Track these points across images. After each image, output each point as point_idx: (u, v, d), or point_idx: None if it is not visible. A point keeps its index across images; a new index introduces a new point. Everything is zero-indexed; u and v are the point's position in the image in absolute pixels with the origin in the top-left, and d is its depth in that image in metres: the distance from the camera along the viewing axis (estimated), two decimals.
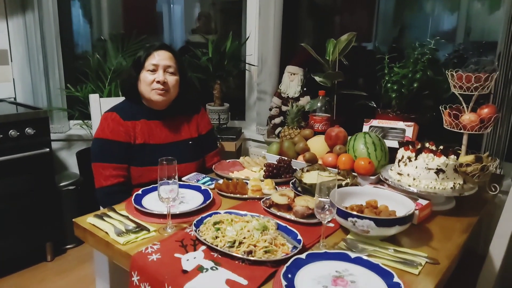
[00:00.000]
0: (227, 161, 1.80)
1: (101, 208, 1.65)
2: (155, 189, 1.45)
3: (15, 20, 2.57)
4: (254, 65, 2.73)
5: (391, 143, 1.73)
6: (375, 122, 1.80)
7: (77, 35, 3.06)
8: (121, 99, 1.74)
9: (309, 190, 1.41)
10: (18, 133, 2.17)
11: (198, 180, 1.58)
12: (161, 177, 1.15)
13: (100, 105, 1.83)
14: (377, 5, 2.81)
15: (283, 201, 1.28)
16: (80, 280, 2.33)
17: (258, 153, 2.72)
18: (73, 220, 1.24)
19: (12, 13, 2.56)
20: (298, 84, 2.63)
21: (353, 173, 1.52)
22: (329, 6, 3.05)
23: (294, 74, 2.64)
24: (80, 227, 1.21)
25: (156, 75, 1.59)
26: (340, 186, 1.38)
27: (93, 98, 1.82)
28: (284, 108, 2.67)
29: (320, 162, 1.68)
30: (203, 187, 1.47)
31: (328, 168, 1.58)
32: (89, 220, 1.22)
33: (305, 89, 2.65)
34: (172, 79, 1.62)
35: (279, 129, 2.69)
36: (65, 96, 2.72)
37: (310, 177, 1.50)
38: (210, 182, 1.56)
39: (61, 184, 2.55)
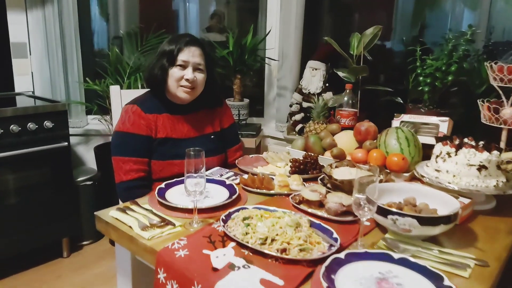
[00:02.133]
0: (250, 156, 1.74)
1: (120, 203, 1.60)
2: (178, 183, 1.39)
3: (34, 13, 2.55)
4: (275, 60, 2.65)
5: (424, 139, 1.64)
6: (406, 117, 1.71)
7: (94, 32, 3.03)
8: (142, 91, 1.68)
9: (339, 186, 1.34)
10: (37, 126, 2.14)
11: (221, 175, 1.52)
12: (188, 169, 1.09)
13: (121, 97, 1.78)
14: (396, 3, 2.74)
15: (314, 197, 1.20)
16: (97, 277, 2.29)
17: (278, 150, 2.64)
18: (94, 213, 1.19)
19: (31, 5, 2.54)
20: (320, 79, 2.55)
21: (386, 170, 1.44)
22: (352, 2, 2.97)
23: (316, 69, 2.56)
24: (102, 220, 1.16)
25: (186, 72, 1.53)
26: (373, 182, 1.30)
27: (114, 89, 1.77)
28: (305, 104, 2.60)
29: (348, 158, 1.60)
30: (227, 182, 1.40)
31: (358, 164, 1.50)
32: (111, 214, 1.16)
33: (327, 84, 2.57)
34: (200, 77, 1.57)
35: (299, 126, 2.62)
36: (83, 90, 2.69)
37: (340, 173, 1.42)
38: (234, 177, 1.50)
39: (79, 179, 2.52)
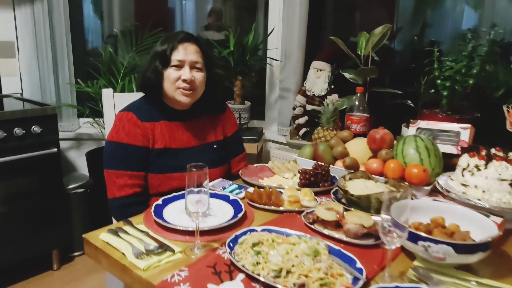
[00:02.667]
0: (255, 165, 1.60)
1: (114, 221, 1.46)
2: (177, 198, 1.26)
3: (22, 10, 2.40)
4: (277, 60, 2.52)
5: (443, 147, 1.51)
6: (423, 124, 1.59)
7: (87, 30, 2.89)
8: (137, 95, 1.54)
9: (356, 203, 1.21)
10: (24, 132, 2.00)
11: (224, 188, 1.39)
12: (189, 185, 0.95)
13: (114, 101, 1.64)
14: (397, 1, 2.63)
15: (331, 217, 1.07)
16: None
17: (281, 156, 2.53)
18: (83, 236, 1.05)
19: (19, 2, 2.39)
20: (325, 81, 2.43)
21: (405, 183, 1.32)
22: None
23: (320, 70, 2.44)
24: (92, 245, 1.02)
25: (182, 71, 1.39)
26: (394, 198, 1.17)
27: (106, 93, 1.63)
28: (309, 107, 2.47)
29: (362, 168, 1.47)
30: (231, 197, 1.27)
31: (373, 176, 1.38)
32: (102, 237, 1.02)
33: (332, 86, 2.45)
34: (199, 76, 1.42)
35: (303, 130, 2.49)
36: (74, 92, 2.55)
37: (355, 187, 1.29)
38: (238, 191, 1.36)
39: (70, 187, 2.38)
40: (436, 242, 0.88)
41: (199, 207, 0.96)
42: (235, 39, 2.24)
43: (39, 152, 2.05)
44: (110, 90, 1.63)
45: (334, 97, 2.41)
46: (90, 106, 2.43)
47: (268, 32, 2.49)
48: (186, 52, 1.39)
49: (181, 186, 1.43)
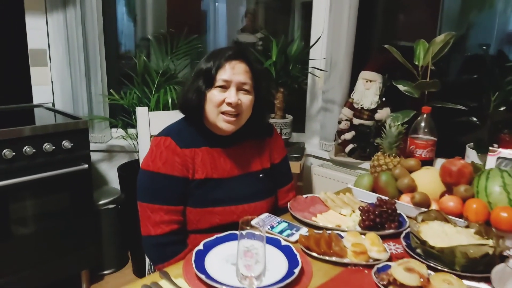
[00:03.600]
0: (304, 197, 1.41)
1: (147, 260, 1.31)
2: (222, 240, 1.08)
3: (55, 16, 2.30)
4: (323, 70, 2.31)
5: None
6: (505, 153, 1.34)
7: (120, 35, 2.79)
8: (173, 113, 1.37)
9: (437, 256, 1.00)
10: (54, 147, 1.88)
11: (272, 227, 1.20)
12: (241, 249, 0.77)
13: (149, 120, 1.48)
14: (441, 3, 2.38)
15: (413, 281, 0.87)
16: None
17: (323, 174, 2.31)
18: None
19: (52, 8, 2.29)
20: (375, 93, 2.20)
21: (493, 230, 1.09)
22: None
23: (370, 81, 2.21)
24: None
25: (227, 93, 1.21)
26: (487, 255, 0.95)
27: (141, 112, 1.48)
28: (356, 121, 2.25)
29: (435, 206, 1.25)
30: (283, 242, 1.08)
31: (450, 217, 1.16)
32: None
33: (384, 99, 2.22)
34: (246, 100, 1.23)
35: (350, 146, 2.27)
36: (107, 102, 2.42)
37: (431, 234, 1.08)
38: (289, 231, 1.17)
39: (100, 203, 2.26)
40: None
41: (254, 270, 0.78)
42: (278, 48, 2.05)
43: (69, 169, 1.92)
44: (145, 108, 1.48)
45: (386, 111, 2.18)
46: (122, 118, 2.30)
47: (312, 42, 2.29)
48: (233, 72, 1.20)
49: (223, 222, 1.26)
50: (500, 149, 1.36)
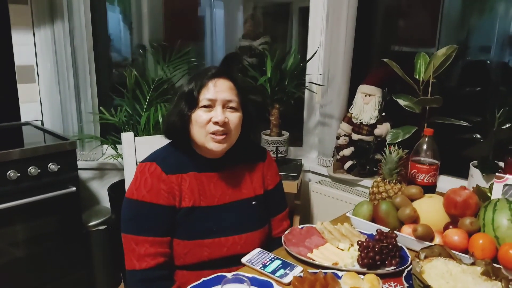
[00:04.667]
0: (300, 227, 1.32)
1: None
2: (208, 285, 1.00)
3: (42, 32, 2.22)
4: (320, 85, 2.23)
5: None
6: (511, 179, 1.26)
7: (116, 42, 2.74)
8: (160, 138, 1.30)
9: None
10: (39, 171, 1.80)
11: (265, 265, 1.12)
12: None
13: (135, 146, 1.41)
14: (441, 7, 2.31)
15: None
16: None
17: (322, 192, 2.23)
18: None
19: (39, 23, 2.21)
20: (374, 107, 2.12)
21: (500, 268, 1.01)
22: (414, 11, 2.53)
23: (369, 95, 2.13)
24: None
25: (213, 112, 1.14)
26: None
27: (126, 137, 1.40)
28: (355, 136, 2.17)
29: (438, 239, 1.17)
30: (275, 285, 1.00)
31: (455, 253, 1.08)
32: None
33: (383, 114, 2.14)
34: (234, 118, 1.17)
35: (349, 163, 2.19)
36: (98, 120, 2.35)
37: (435, 274, 1.00)
38: (283, 271, 1.09)
39: (90, 224, 2.18)
40: None
41: None
42: (273, 64, 1.97)
43: (56, 193, 1.84)
44: (131, 134, 1.40)
45: (386, 126, 2.10)
46: (113, 138, 2.22)
47: (308, 54, 2.21)
48: (216, 90, 1.14)
49: (212, 257, 1.17)
50: (507, 176, 1.28)
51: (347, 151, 2.20)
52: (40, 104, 2.33)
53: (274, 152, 2.10)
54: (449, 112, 1.93)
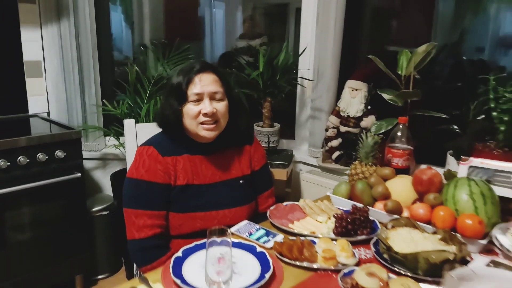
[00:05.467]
0: (284, 204, 1.47)
1: (135, 265, 1.37)
2: (200, 248, 1.14)
3: (49, 29, 2.37)
4: (310, 80, 2.38)
5: (499, 190, 1.33)
6: (476, 162, 1.40)
7: (118, 41, 2.88)
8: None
9: (401, 262, 1.06)
10: (47, 157, 1.94)
11: (250, 234, 1.26)
12: (210, 255, 0.83)
13: (136, 132, 1.55)
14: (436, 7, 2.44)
15: (373, 285, 0.93)
16: None
17: (312, 180, 2.37)
18: None
19: (46, 21, 2.36)
20: (361, 101, 2.26)
21: (457, 235, 1.15)
22: (397, 10, 2.67)
23: (356, 90, 2.27)
24: None
25: (202, 105, 1.28)
26: (448, 261, 1.01)
27: (128, 124, 1.54)
28: (343, 128, 2.31)
29: (406, 213, 1.31)
30: (258, 249, 1.14)
31: (420, 224, 1.22)
32: None
33: (369, 107, 2.28)
34: (221, 107, 1.31)
35: (337, 153, 2.33)
36: (101, 112, 2.49)
37: (399, 240, 1.14)
38: (266, 238, 1.23)
39: (94, 210, 2.32)
40: None
41: (222, 276, 0.84)
42: (265, 60, 2.12)
43: (62, 178, 1.99)
44: (132, 121, 1.54)
45: (371, 118, 2.24)
46: (115, 129, 2.36)
47: (300, 52, 2.35)
48: (202, 84, 1.28)
49: (204, 227, 1.31)
50: (471, 158, 1.42)
51: (335, 142, 2.34)
52: (47, 97, 2.48)
53: (266, 142, 2.24)
54: (431, 106, 2.07)
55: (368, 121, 2.25)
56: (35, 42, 2.38)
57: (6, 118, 2.32)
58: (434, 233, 1.18)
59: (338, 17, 2.28)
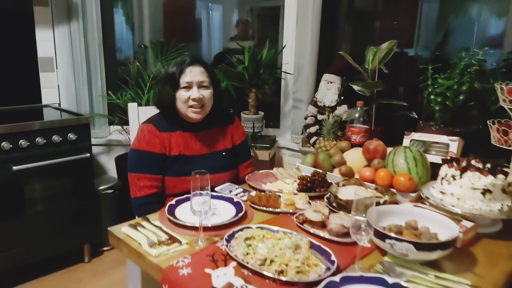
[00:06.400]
0: (260, 172, 1.78)
1: (136, 217, 1.68)
2: (188, 199, 1.45)
3: (60, 29, 2.69)
4: (290, 74, 2.70)
5: (434, 158, 1.65)
6: (416, 136, 1.72)
7: (120, 42, 3.17)
8: (156, 109, 1.76)
9: (344, 206, 1.37)
10: (61, 139, 2.25)
11: (231, 191, 1.57)
12: (194, 189, 1.14)
13: (138, 114, 1.86)
14: (419, 10, 2.72)
15: (317, 218, 1.24)
16: (115, 283, 2.39)
17: (293, 162, 2.69)
18: (108, 229, 1.26)
19: (58, 22, 2.68)
20: (335, 92, 2.58)
21: (392, 190, 1.46)
22: (369, 12, 2.98)
23: (331, 82, 2.59)
24: (115, 236, 1.23)
25: (191, 92, 1.60)
26: (378, 203, 1.32)
27: (132, 107, 1.86)
28: (320, 117, 2.63)
29: (357, 176, 1.63)
30: (235, 199, 1.45)
31: (365, 183, 1.53)
32: (123, 230, 1.23)
33: (342, 98, 2.59)
34: (206, 93, 1.63)
35: (314, 138, 2.64)
36: (106, 102, 2.81)
37: (346, 193, 1.45)
38: (242, 194, 1.55)
39: (100, 188, 2.63)
40: (400, 240, 1.03)
41: (203, 206, 1.15)
42: (249, 55, 2.44)
43: (74, 157, 2.30)
44: (135, 104, 1.86)
45: (343, 108, 2.55)
46: (119, 116, 2.68)
47: (280, 48, 2.67)
48: (192, 75, 1.60)
49: None
50: (413, 133, 1.74)
51: (313, 129, 2.65)
52: (58, 89, 2.79)
53: (251, 128, 2.56)
54: (395, 96, 2.38)
55: (341, 110, 2.56)
56: (48, 41, 2.69)
57: (22, 108, 2.63)
58: (376, 189, 1.49)
59: (314, 18, 2.60)
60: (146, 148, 1.60)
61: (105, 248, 2.72)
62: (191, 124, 1.68)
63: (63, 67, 2.76)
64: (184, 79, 1.60)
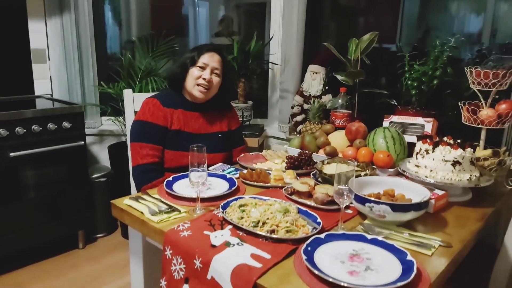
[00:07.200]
0: (251, 154, 1.89)
1: (135, 188, 1.78)
2: (184, 176, 1.55)
3: (53, 21, 2.75)
4: (277, 64, 2.81)
5: (411, 138, 1.78)
6: (394, 118, 1.86)
7: (108, 37, 3.22)
8: (151, 95, 1.85)
9: (328, 180, 1.49)
10: (56, 127, 2.32)
11: (223, 170, 1.68)
12: (192, 162, 1.24)
13: (133, 100, 1.95)
14: (401, 7, 2.86)
15: (304, 188, 1.36)
16: (110, 266, 2.47)
17: (280, 149, 2.80)
18: (111, 201, 1.35)
19: (50, 14, 2.73)
20: (320, 82, 2.70)
21: (372, 166, 1.59)
22: (353, 7, 3.12)
23: (316, 73, 2.71)
24: (118, 208, 1.32)
25: (204, 72, 1.74)
26: (359, 176, 1.45)
27: (127, 93, 1.94)
28: (306, 106, 2.74)
29: (340, 155, 1.75)
30: (228, 176, 1.56)
31: (347, 160, 1.65)
32: (125, 202, 1.33)
33: (327, 87, 2.72)
34: (215, 80, 1.77)
35: (300, 126, 2.76)
36: (98, 93, 2.88)
37: (330, 169, 1.57)
38: (234, 172, 1.65)
39: (93, 176, 2.70)
40: (378, 203, 1.15)
41: (200, 179, 1.25)
42: (238, 46, 2.54)
43: (68, 145, 2.37)
44: (130, 90, 1.94)
45: (328, 97, 2.68)
46: (111, 106, 2.76)
47: (267, 40, 2.78)
48: (211, 59, 1.75)
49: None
50: (392, 116, 1.87)
51: (299, 118, 2.77)
52: (50, 80, 2.85)
53: (240, 116, 2.66)
54: (376, 86, 2.51)
55: (326, 99, 2.68)
56: (41, 32, 2.75)
57: (15, 99, 2.68)
58: (357, 166, 1.62)
59: (300, 12, 2.71)
60: (150, 119, 1.72)
61: (98, 235, 2.79)
62: (193, 105, 1.80)
63: (56, 58, 2.82)
64: (202, 60, 1.74)
